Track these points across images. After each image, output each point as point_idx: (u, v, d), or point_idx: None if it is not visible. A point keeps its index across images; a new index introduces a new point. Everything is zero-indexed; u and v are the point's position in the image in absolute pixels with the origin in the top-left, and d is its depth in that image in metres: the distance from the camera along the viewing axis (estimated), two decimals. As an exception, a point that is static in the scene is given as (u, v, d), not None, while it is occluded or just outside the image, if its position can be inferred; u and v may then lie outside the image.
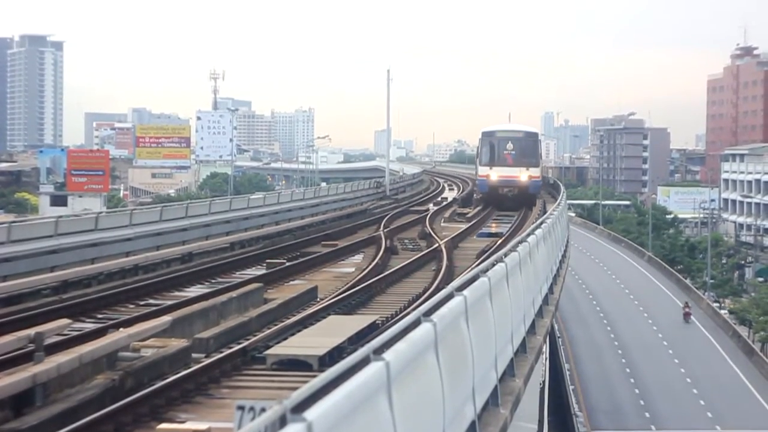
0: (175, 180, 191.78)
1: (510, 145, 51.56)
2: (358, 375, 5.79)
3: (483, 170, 52.69)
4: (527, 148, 52.33)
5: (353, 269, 29.48)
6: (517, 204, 49.59)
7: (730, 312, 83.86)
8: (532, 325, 16.92)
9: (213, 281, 26.27)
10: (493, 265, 12.79)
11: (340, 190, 62.74)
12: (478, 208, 50.64)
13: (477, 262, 26.56)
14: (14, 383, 12.19)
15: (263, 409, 5.13)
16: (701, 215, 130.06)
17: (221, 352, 15.80)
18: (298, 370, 14.77)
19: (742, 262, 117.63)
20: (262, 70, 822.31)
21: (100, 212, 36.78)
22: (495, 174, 51.24)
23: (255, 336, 17.20)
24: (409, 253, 33.14)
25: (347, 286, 24.24)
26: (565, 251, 35.21)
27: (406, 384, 6.76)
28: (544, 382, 39.24)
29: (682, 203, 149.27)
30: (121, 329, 15.84)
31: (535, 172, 51.90)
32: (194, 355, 15.74)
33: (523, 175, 51.00)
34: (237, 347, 15.98)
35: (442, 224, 44.35)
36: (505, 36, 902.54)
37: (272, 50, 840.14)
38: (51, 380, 12.86)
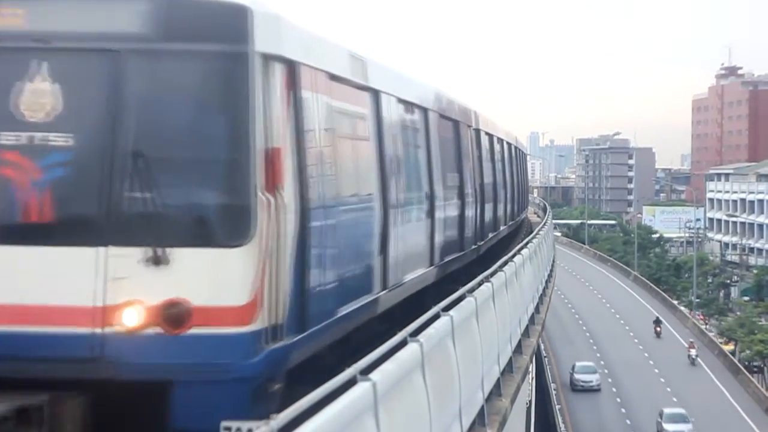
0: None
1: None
2: (345, 395, 5.79)
3: None
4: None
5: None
6: None
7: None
8: (519, 345, 16.92)
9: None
10: (480, 285, 12.81)
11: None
12: None
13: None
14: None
15: (250, 430, 5.13)
16: (687, 234, 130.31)
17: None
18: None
19: (728, 281, 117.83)
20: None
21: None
22: None
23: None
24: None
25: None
26: (551, 271, 35.23)
27: (393, 404, 6.76)
28: (530, 401, 39.13)
29: (667, 223, 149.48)
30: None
31: None
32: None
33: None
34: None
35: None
36: (490, 55, 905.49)
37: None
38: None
